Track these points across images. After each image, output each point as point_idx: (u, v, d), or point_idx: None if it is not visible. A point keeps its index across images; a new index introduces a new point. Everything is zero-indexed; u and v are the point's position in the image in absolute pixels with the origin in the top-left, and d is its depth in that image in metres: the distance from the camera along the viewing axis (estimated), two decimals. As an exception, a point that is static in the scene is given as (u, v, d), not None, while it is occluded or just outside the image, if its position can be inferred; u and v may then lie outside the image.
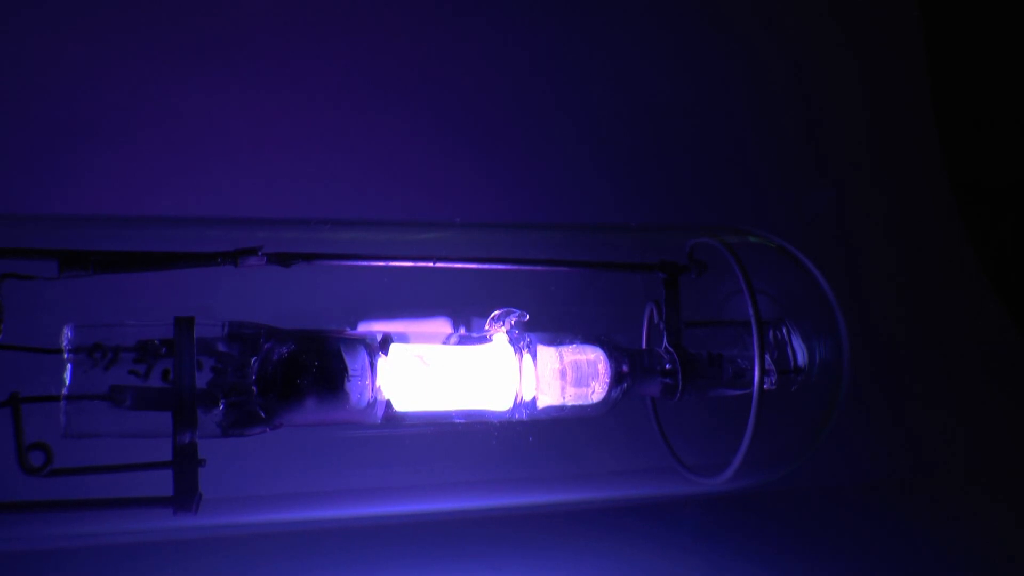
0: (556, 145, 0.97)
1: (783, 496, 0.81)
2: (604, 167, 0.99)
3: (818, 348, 0.69)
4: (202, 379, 0.54)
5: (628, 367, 0.64)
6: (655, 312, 0.69)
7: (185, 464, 0.52)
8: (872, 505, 0.86)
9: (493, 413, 0.62)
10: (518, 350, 0.62)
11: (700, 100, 1.04)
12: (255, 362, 0.55)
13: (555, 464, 0.70)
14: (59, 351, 0.52)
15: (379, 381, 0.58)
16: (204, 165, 0.84)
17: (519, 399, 0.62)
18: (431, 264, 0.63)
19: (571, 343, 0.63)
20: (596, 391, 0.63)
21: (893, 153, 1.14)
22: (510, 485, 0.70)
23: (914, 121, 1.14)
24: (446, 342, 0.62)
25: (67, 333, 0.53)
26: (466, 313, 0.66)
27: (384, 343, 0.59)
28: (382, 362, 0.59)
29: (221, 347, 0.55)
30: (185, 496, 0.53)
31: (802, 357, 0.68)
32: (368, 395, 0.58)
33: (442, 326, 0.65)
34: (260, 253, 0.58)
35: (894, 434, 0.99)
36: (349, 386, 0.57)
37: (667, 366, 0.65)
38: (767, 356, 0.66)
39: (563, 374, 0.62)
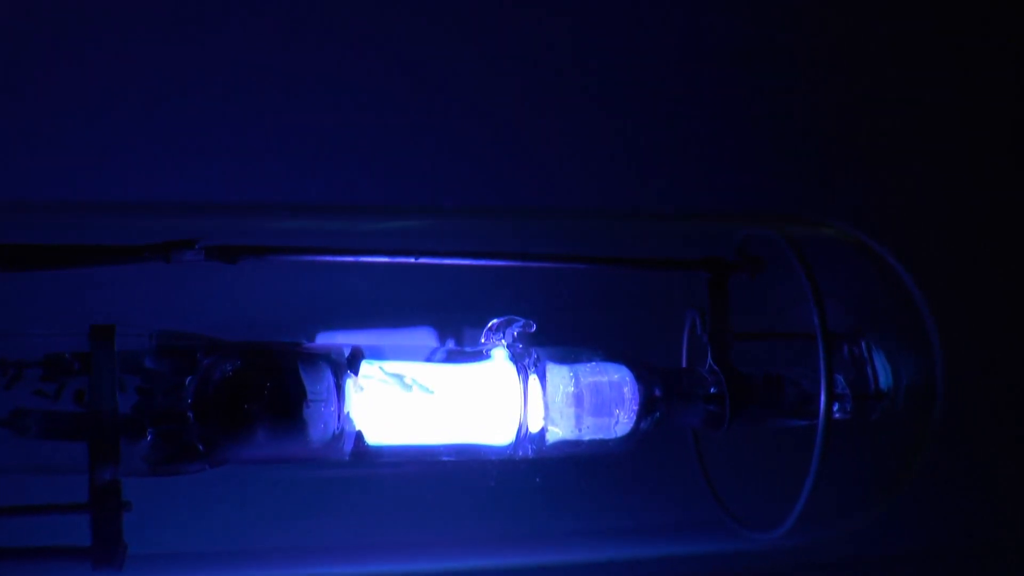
0: (569, 110, 0.93)
1: (846, 563, 0.79)
2: (632, 137, 0.96)
3: (905, 369, 0.67)
4: (125, 402, 0.53)
5: (662, 391, 0.63)
6: (698, 322, 0.67)
7: (105, 508, 0.52)
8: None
9: (491, 448, 0.61)
10: (522, 369, 0.60)
11: (756, 51, 1.01)
12: (191, 382, 0.55)
13: (568, 515, 0.69)
14: (-54, 367, 0.51)
15: (347, 408, 0.57)
16: (127, 137, 0.82)
17: (524, 431, 0.60)
18: (412, 260, 0.62)
19: (589, 361, 0.62)
20: (621, 421, 0.62)
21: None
22: (511, 543, 0.69)
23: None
24: (431, 358, 0.61)
25: (-44, 345, 0.51)
26: (456, 322, 0.65)
27: (353, 360, 0.58)
28: (351, 384, 0.57)
29: (148, 363, 0.55)
30: (105, 547, 0.52)
31: (884, 379, 0.66)
32: (333, 425, 0.57)
33: (426, 338, 0.65)
34: (198, 246, 0.57)
35: (986, 489, 0.96)
36: (308, 413, 0.55)
37: (712, 390, 0.64)
38: (839, 378, 0.65)
39: (579, 400, 0.61)
